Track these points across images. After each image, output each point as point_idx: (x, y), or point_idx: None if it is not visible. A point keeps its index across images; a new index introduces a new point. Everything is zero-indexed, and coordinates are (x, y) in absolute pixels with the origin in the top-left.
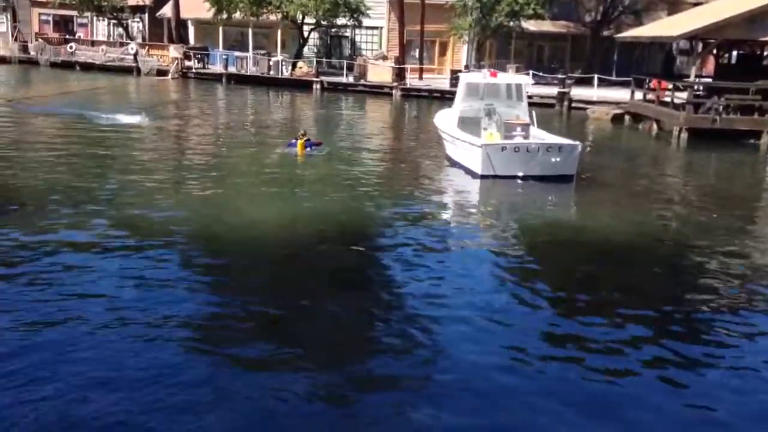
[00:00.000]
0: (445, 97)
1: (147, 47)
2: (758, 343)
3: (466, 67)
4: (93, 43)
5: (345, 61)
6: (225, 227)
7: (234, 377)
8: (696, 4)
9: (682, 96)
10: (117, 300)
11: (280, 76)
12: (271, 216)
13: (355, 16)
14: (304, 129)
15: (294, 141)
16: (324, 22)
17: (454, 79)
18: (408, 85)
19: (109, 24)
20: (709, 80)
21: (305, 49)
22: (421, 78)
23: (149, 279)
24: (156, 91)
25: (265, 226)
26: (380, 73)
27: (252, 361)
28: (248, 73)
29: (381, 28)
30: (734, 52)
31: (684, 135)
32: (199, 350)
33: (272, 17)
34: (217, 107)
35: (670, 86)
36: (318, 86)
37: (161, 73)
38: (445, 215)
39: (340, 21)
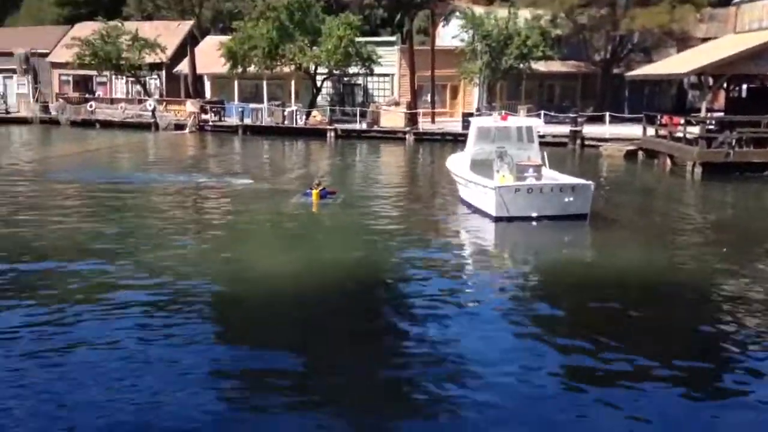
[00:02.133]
0: (457, 140)
1: (164, 103)
2: None
3: (478, 109)
4: (112, 101)
5: (358, 108)
6: (243, 280)
7: (256, 428)
8: (704, 40)
9: (694, 131)
10: (139, 354)
11: (294, 125)
12: (288, 268)
13: (366, 64)
14: (319, 178)
15: (309, 191)
16: (336, 72)
17: (466, 122)
18: (420, 130)
19: (127, 82)
20: (721, 114)
21: (318, 98)
22: (433, 122)
23: (169, 334)
24: (173, 145)
25: (282, 278)
26: (393, 118)
27: (271, 414)
28: (263, 124)
29: (392, 75)
30: (744, 86)
31: (698, 169)
32: (224, 401)
33: (286, 69)
34: (232, 159)
35: (682, 121)
36: (332, 134)
37: (179, 127)
38: (462, 259)
39: (353, 69)
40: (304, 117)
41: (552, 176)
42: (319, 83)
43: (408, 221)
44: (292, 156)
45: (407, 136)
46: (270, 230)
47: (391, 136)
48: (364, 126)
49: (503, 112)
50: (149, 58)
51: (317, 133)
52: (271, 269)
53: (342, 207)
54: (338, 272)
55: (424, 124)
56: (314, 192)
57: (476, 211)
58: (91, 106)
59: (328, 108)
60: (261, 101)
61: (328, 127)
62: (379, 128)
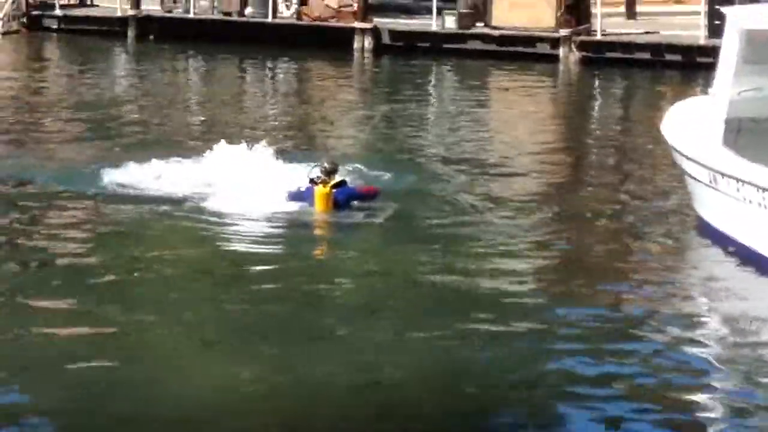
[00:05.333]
0: (693, 65)
1: None
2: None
3: None
4: None
5: None
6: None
7: None
8: None
9: None
10: None
11: (269, 19)
12: (246, 394)
13: None
14: (331, 158)
15: (309, 186)
16: None
17: (716, 18)
18: (596, 36)
19: None
20: None
21: None
22: (630, 16)
23: None
24: None
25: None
26: (525, 7)
27: None
28: (191, 16)
29: None
30: None
31: None
32: None
33: None
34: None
35: None
36: (367, 41)
37: None
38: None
39: None
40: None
41: None
42: None
43: (562, 276)
44: (267, 98)
45: (563, 49)
46: (208, 282)
47: (521, 51)
48: (447, 24)
49: None
50: None
51: (331, 40)
52: (203, 389)
53: (391, 228)
54: (369, 404)
55: (607, 22)
56: (319, 189)
57: (738, 248)
58: None
59: None
60: None
61: (358, 24)
62: (488, 30)
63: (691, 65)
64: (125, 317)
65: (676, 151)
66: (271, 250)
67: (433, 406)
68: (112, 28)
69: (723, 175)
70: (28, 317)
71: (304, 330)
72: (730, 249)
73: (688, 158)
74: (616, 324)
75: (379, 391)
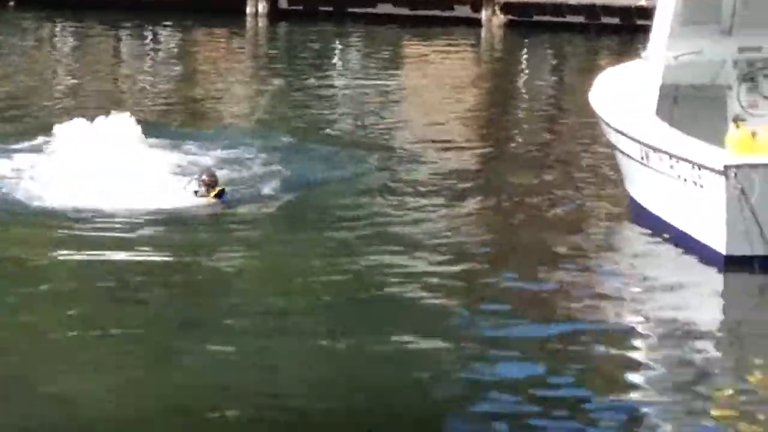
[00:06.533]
0: (632, 28)
1: None
2: None
3: None
4: None
5: None
6: None
7: None
8: None
9: None
10: None
11: None
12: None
13: None
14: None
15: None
16: None
17: None
18: None
19: None
20: None
21: None
22: None
23: None
24: None
25: None
26: None
27: None
28: None
29: None
30: None
31: None
32: None
33: None
34: None
35: None
36: (261, 5)
37: None
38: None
39: None
40: None
41: None
42: None
43: (493, 279)
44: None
45: (485, 13)
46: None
47: (437, 15)
48: None
49: None
50: None
51: (217, 3)
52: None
53: (286, 223)
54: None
55: None
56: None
57: (670, 232)
58: None
59: None
60: None
61: None
62: None
63: (630, 28)
64: None
65: (605, 123)
66: (156, 256)
67: (335, 418)
68: None
69: (655, 149)
70: None
71: (197, 338)
72: (663, 234)
73: (617, 131)
74: (540, 322)
75: (280, 408)
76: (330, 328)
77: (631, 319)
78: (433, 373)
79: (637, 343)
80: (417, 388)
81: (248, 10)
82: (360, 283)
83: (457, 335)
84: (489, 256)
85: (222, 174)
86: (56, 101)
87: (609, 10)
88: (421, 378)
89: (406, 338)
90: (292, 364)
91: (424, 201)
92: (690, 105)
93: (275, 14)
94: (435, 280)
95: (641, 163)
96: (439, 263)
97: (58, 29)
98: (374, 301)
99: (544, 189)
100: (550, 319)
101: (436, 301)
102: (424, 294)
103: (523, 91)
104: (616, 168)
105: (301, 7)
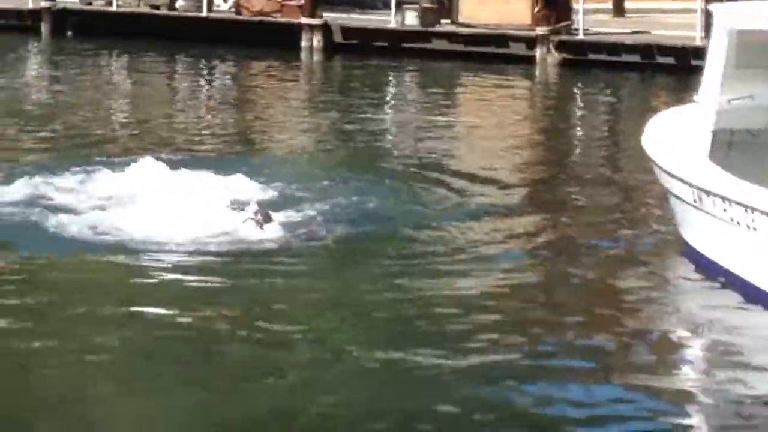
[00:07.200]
0: (688, 69)
1: None
2: None
3: None
4: None
5: None
6: None
7: None
8: None
9: None
10: None
11: (204, 14)
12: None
13: None
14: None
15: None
16: None
17: (710, 17)
18: (578, 36)
19: None
20: None
21: None
22: (618, 13)
23: None
24: None
25: None
26: (497, 1)
27: None
28: (117, 9)
29: None
30: None
31: None
32: None
33: None
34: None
35: None
36: (316, 38)
37: None
38: None
39: None
40: None
41: None
42: None
43: (541, 315)
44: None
45: (540, 49)
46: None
47: (492, 52)
48: (408, 21)
49: None
50: None
51: (273, 38)
52: None
53: (342, 255)
54: None
55: (590, 19)
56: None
57: (727, 278)
58: None
59: None
60: None
61: (305, 20)
62: (455, 27)
63: (686, 69)
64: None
65: (658, 166)
66: (209, 281)
67: None
68: (23, 23)
69: (708, 193)
70: None
71: (248, 363)
72: (718, 279)
73: (670, 174)
74: (588, 357)
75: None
76: (387, 359)
77: (683, 361)
78: (492, 408)
79: (688, 386)
80: (476, 423)
81: (303, 44)
82: (416, 315)
83: (514, 371)
84: (543, 294)
85: (275, 206)
86: (115, 133)
87: (664, 50)
88: (478, 409)
89: (461, 374)
90: (349, 394)
91: (472, 235)
92: (745, 150)
93: (330, 48)
94: (489, 317)
95: (694, 207)
96: (492, 296)
97: (114, 60)
98: (431, 335)
99: (598, 231)
100: (606, 364)
101: (491, 336)
102: (479, 328)
103: (577, 130)
104: (669, 212)
105: (356, 42)
